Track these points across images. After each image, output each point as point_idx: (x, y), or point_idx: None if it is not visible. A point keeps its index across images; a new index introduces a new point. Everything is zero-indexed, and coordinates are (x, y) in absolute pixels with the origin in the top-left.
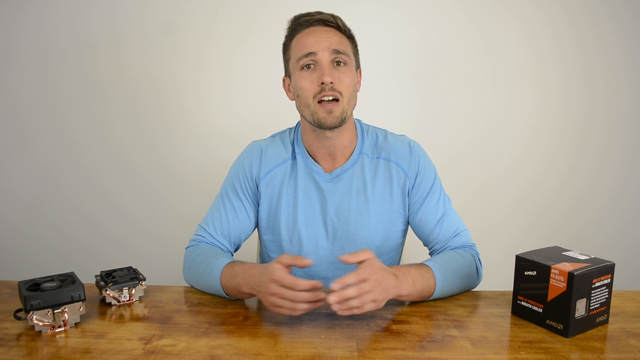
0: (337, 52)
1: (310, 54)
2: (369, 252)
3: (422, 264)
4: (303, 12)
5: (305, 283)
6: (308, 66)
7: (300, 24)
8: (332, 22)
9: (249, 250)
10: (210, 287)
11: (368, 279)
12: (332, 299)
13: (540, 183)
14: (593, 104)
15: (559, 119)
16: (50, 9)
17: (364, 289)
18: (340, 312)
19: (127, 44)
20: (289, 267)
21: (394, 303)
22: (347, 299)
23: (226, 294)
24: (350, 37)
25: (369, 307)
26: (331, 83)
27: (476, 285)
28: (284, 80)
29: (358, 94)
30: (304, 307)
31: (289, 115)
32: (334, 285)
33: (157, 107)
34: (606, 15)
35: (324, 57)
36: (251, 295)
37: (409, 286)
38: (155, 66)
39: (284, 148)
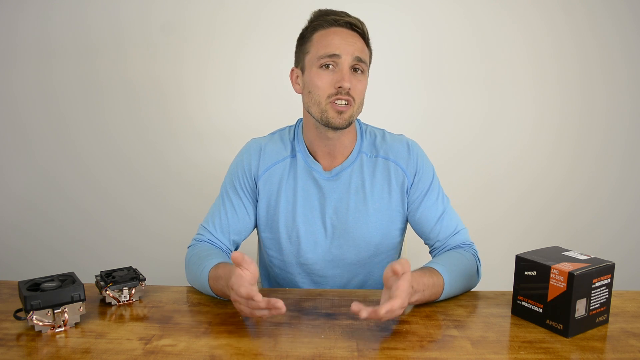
0: (359, 59)
1: (334, 55)
2: (407, 264)
3: (434, 271)
4: (326, 8)
5: (261, 301)
6: (327, 66)
7: (326, 20)
8: (359, 28)
9: (249, 251)
10: (203, 288)
11: (403, 304)
12: (363, 314)
13: (540, 183)
14: (593, 104)
15: (559, 119)
16: (51, 8)
17: (394, 314)
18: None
19: (128, 44)
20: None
21: None
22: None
23: (217, 296)
24: (369, 47)
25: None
26: (348, 89)
27: (476, 285)
28: (292, 70)
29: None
30: (262, 313)
31: (291, 117)
32: (382, 312)
33: (158, 107)
34: (606, 16)
35: (346, 61)
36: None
37: (418, 297)
38: (155, 66)
39: (282, 146)
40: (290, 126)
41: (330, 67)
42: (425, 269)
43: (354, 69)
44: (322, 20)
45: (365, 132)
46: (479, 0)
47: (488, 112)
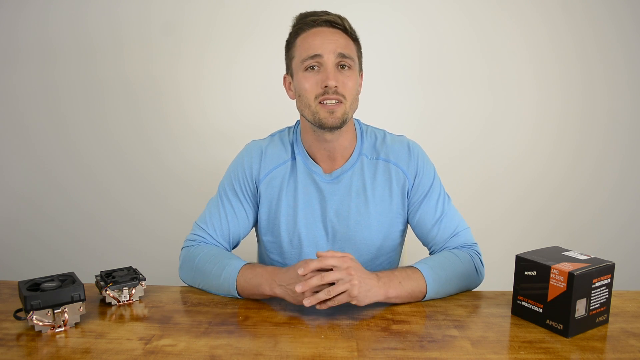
0: (343, 55)
1: (316, 55)
2: (349, 254)
3: (409, 266)
4: (306, 11)
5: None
6: (312, 67)
7: (306, 23)
8: (339, 24)
9: (249, 251)
10: (219, 286)
11: (338, 266)
12: (297, 288)
13: (540, 183)
14: (593, 104)
15: (559, 119)
16: (51, 9)
17: (326, 279)
18: (309, 305)
19: (127, 44)
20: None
21: (393, 303)
22: (313, 290)
23: (238, 293)
24: (356, 40)
25: (341, 298)
26: (335, 87)
27: (477, 285)
28: (284, 78)
29: (359, 96)
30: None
31: (288, 117)
32: (299, 270)
33: (157, 107)
34: (606, 15)
35: (330, 59)
36: (269, 295)
37: (395, 286)
38: (155, 66)
39: (283, 148)
40: (289, 127)
41: (316, 68)
42: (401, 267)
43: (341, 66)
44: (302, 23)
45: (366, 133)
46: (479, 0)
47: (488, 112)
